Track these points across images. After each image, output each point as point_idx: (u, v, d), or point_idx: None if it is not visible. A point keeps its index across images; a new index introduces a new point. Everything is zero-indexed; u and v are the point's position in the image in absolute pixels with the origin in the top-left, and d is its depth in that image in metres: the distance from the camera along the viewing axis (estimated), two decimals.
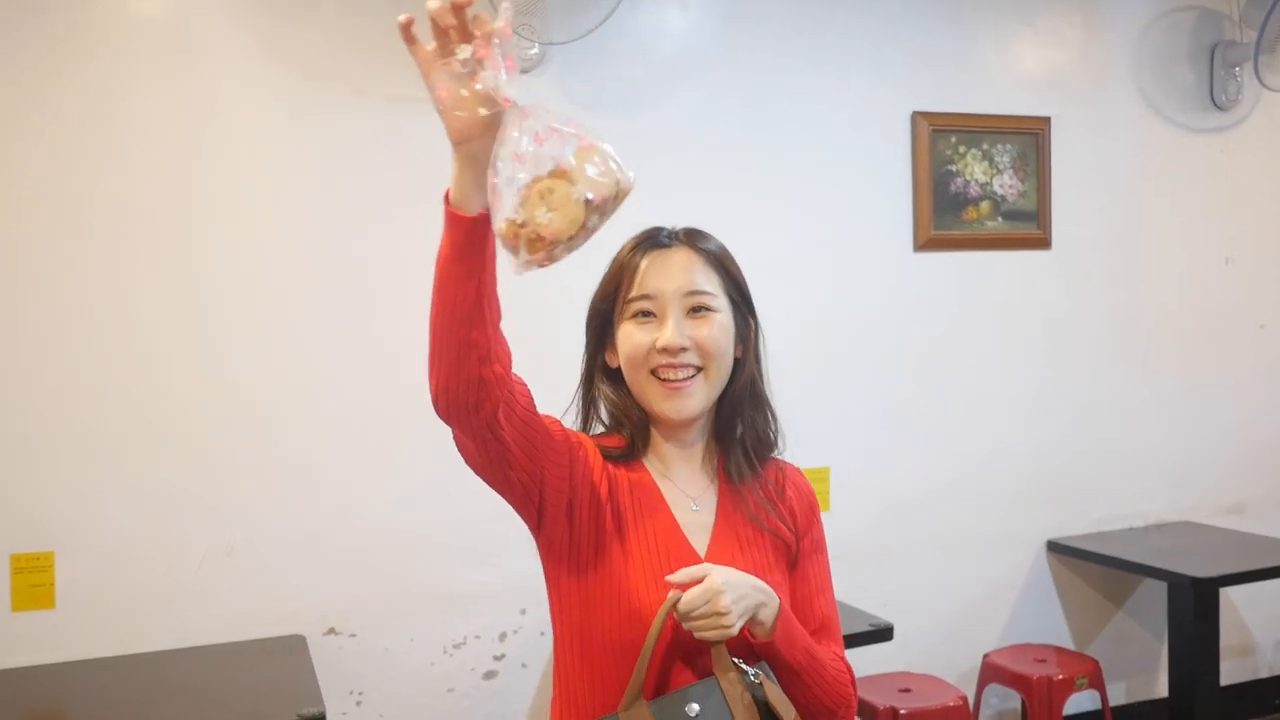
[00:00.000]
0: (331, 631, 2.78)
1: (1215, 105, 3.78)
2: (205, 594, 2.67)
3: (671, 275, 1.32)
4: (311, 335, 2.76)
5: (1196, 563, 3.25)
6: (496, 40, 1.01)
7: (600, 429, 1.44)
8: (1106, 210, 3.63)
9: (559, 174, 1.02)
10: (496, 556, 2.86)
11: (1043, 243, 3.52)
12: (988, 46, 3.46)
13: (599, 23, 2.76)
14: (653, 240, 1.36)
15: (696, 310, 1.32)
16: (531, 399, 1.26)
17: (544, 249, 1.03)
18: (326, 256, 2.77)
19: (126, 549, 2.61)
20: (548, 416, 1.31)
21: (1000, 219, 3.45)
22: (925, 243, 3.35)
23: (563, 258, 1.05)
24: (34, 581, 2.55)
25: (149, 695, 2.37)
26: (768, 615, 1.27)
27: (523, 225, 1.02)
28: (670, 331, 1.30)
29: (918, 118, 3.32)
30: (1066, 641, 3.61)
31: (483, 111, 1.02)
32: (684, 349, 1.31)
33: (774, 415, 1.43)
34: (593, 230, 1.05)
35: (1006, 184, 3.45)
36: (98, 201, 2.58)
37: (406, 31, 1.04)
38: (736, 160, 3.14)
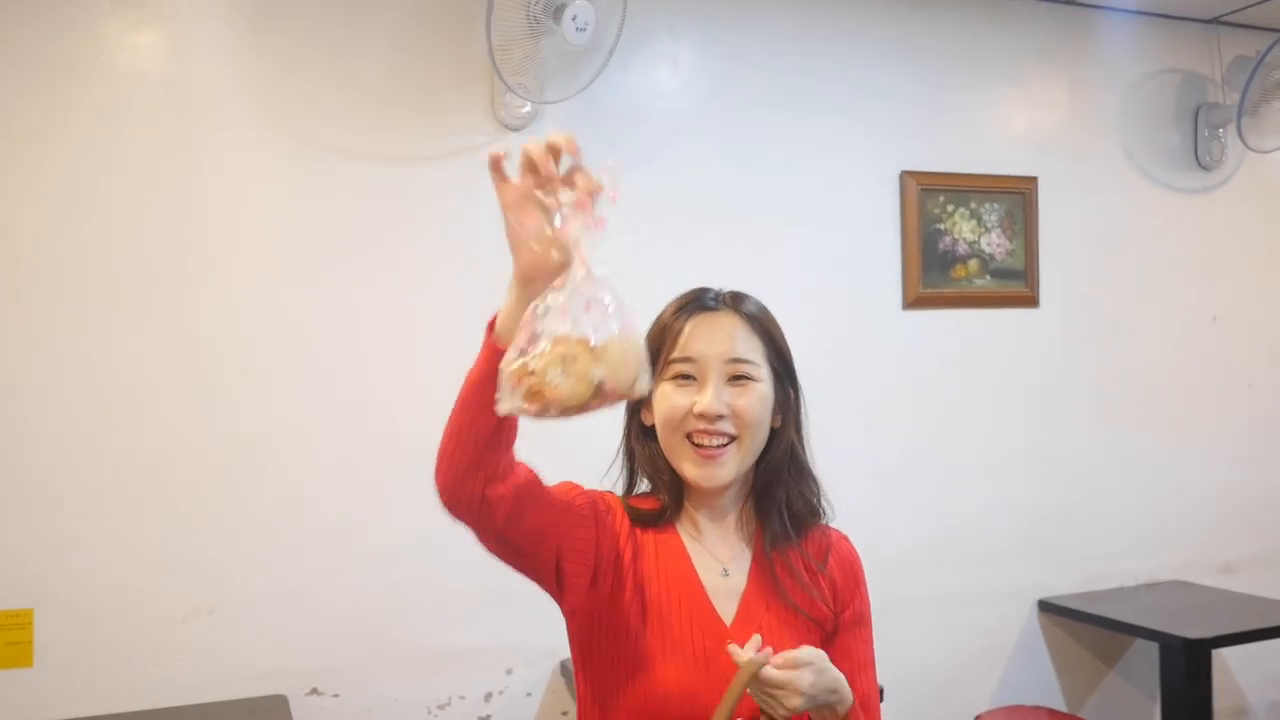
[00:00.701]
0: (314, 692, 2.73)
1: (1200, 165, 3.83)
2: (187, 652, 2.62)
3: (715, 340, 1.31)
4: (296, 392, 2.74)
5: (1188, 623, 3.23)
6: (596, 198, 1.06)
7: (644, 487, 1.43)
8: (1094, 269, 3.65)
9: (587, 346, 1.02)
10: (483, 615, 2.82)
11: (1030, 301, 3.54)
12: (976, 107, 3.50)
13: (588, 82, 2.79)
14: (698, 302, 1.35)
15: (737, 379, 1.31)
16: (540, 488, 1.25)
17: (539, 405, 1.02)
18: (316, 312, 2.76)
19: (107, 606, 2.57)
20: (566, 486, 1.30)
21: (989, 277, 3.47)
22: (914, 300, 3.36)
23: (546, 419, 1.03)
24: (11, 639, 2.51)
25: None
26: (841, 709, 1.25)
27: (531, 374, 1.02)
28: (710, 397, 1.28)
29: (906, 177, 3.35)
30: (1059, 702, 3.58)
31: (556, 256, 1.05)
32: (721, 416, 1.29)
33: (817, 484, 1.42)
34: (587, 411, 1.04)
35: (994, 242, 3.47)
36: (90, 254, 2.57)
37: (497, 167, 1.07)
38: (725, 216, 3.15)
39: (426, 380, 2.84)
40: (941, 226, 3.40)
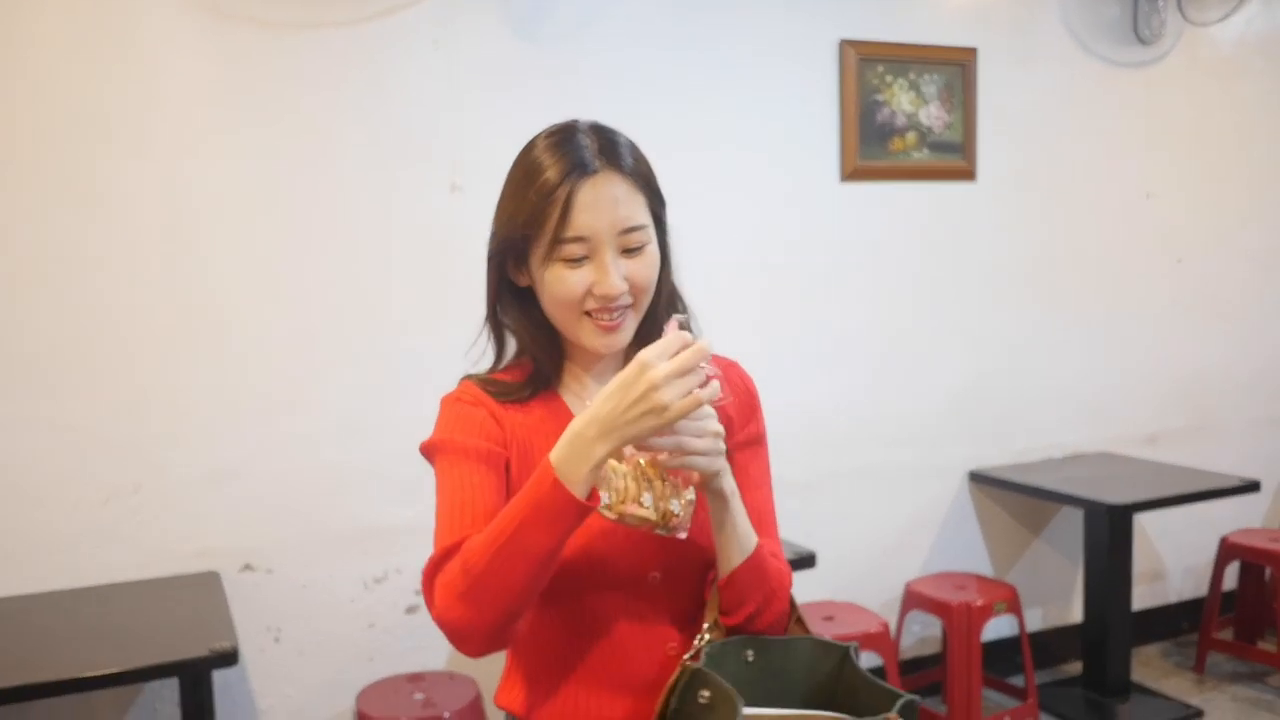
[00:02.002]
0: (247, 568, 2.71)
1: (1139, 39, 3.80)
2: (112, 533, 2.58)
3: (603, 211, 1.22)
4: (225, 268, 2.66)
5: (1112, 490, 3.32)
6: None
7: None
8: (1030, 143, 3.64)
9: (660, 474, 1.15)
10: (415, 490, 2.79)
11: (968, 174, 3.52)
12: None
13: None
14: (579, 164, 1.23)
15: (629, 250, 1.25)
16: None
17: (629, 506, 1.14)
18: (244, 189, 2.66)
19: (27, 487, 2.51)
20: (461, 438, 1.26)
21: (926, 150, 3.44)
22: (852, 173, 3.33)
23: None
24: None
25: (55, 635, 2.28)
26: (726, 485, 1.22)
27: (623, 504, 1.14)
28: (611, 279, 1.22)
29: (845, 46, 3.28)
30: (986, 569, 3.69)
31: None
32: (622, 293, 1.25)
33: (684, 304, 1.37)
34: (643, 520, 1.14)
35: (933, 115, 3.43)
36: (12, 127, 2.46)
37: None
38: (662, 90, 3.08)
39: (355, 258, 2.78)
40: (880, 98, 3.35)
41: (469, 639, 1.14)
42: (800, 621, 1.35)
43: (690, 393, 1.07)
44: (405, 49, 2.78)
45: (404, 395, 2.77)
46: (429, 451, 1.29)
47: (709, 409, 1.15)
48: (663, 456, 1.14)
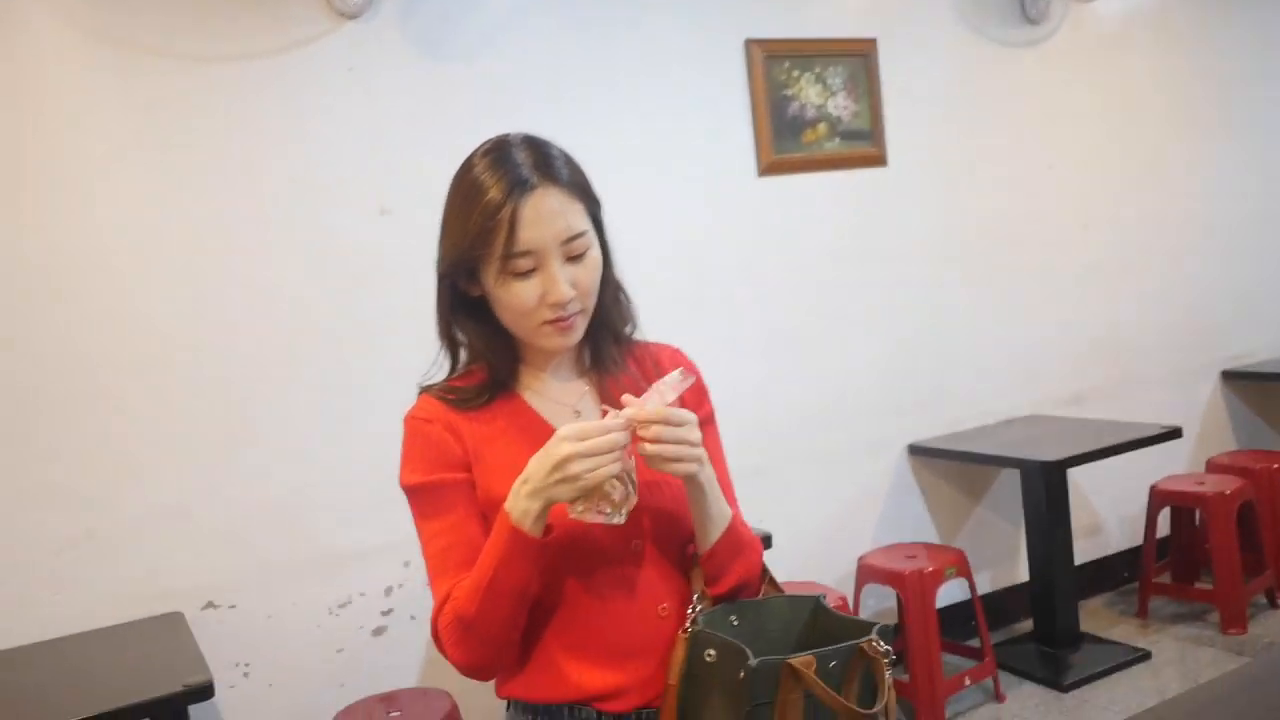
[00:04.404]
0: (210, 605, 2.71)
1: (1027, 19, 3.97)
2: (68, 582, 2.56)
3: (544, 224, 1.27)
4: (159, 307, 2.66)
5: (1045, 449, 3.46)
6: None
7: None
8: (935, 125, 3.79)
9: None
10: (373, 512, 2.82)
11: (879, 160, 3.65)
12: None
13: None
14: (518, 182, 1.27)
15: (573, 257, 1.31)
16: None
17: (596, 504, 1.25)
18: (176, 219, 2.67)
19: None
20: (448, 507, 1.33)
21: (838, 139, 3.56)
22: (768, 167, 3.43)
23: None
24: None
25: (22, 690, 2.25)
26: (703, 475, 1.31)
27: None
28: (560, 287, 1.28)
29: (751, 45, 3.39)
30: (933, 537, 3.80)
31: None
32: (572, 298, 1.31)
33: (626, 294, 1.44)
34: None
35: (841, 105, 3.56)
36: None
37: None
38: (577, 96, 3.15)
39: (290, 287, 2.80)
40: (789, 92, 3.46)
41: (481, 672, 1.32)
42: (773, 582, 1.44)
43: (599, 468, 1.20)
44: (323, 76, 2.82)
45: (349, 418, 2.80)
46: (404, 491, 1.38)
47: (690, 415, 1.26)
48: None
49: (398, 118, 2.91)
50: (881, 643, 1.24)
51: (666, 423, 1.23)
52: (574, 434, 1.20)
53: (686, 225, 3.33)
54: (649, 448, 1.23)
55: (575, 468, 1.19)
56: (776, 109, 3.44)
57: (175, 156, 2.67)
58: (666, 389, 1.26)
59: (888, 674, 1.24)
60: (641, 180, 3.23)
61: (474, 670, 1.31)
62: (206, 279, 2.71)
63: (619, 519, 1.24)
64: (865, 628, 1.26)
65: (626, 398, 1.26)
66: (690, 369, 1.35)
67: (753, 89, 3.40)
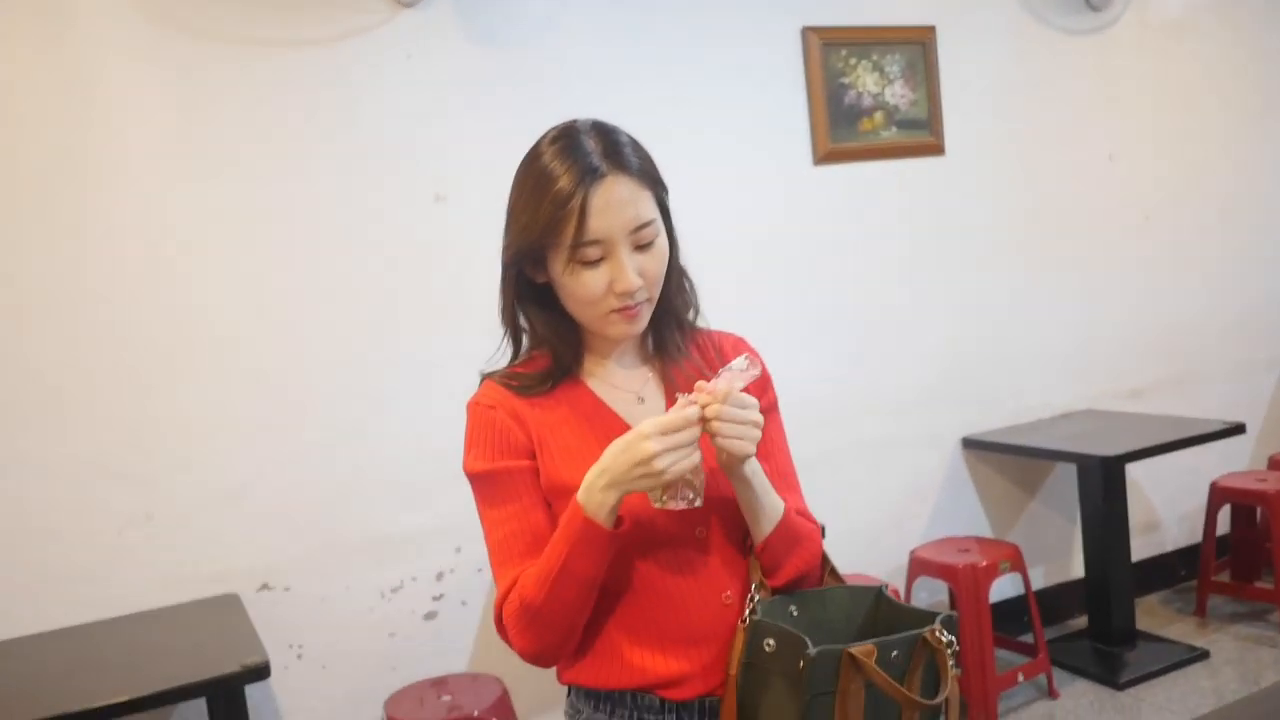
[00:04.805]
0: (265, 587, 2.74)
1: (1090, 6, 3.89)
2: (129, 562, 2.60)
3: (614, 213, 1.27)
4: (216, 291, 2.69)
5: (1102, 444, 3.40)
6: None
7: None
8: (994, 114, 3.73)
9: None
10: (425, 497, 2.84)
11: (937, 149, 3.60)
12: None
13: None
14: (588, 170, 1.26)
15: (641, 245, 1.30)
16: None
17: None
18: (233, 207, 2.70)
19: (40, 523, 2.53)
20: (491, 460, 1.33)
21: (895, 128, 3.52)
22: (825, 155, 3.40)
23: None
24: None
25: (79, 666, 2.30)
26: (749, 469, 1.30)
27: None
28: (628, 276, 1.27)
29: (808, 32, 3.36)
30: (986, 532, 3.75)
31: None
32: (640, 287, 1.30)
33: (690, 281, 1.44)
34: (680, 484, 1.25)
35: (898, 93, 3.51)
36: None
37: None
38: (632, 83, 3.14)
39: (346, 271, 2.82)
40: (846, 80, 3.42)
41: (544, 659, 1.32)
42: (834, 573, 1.43)
43: (681, 460, 1.20)
44: (380, 64, 2.83)
45: (404, 401, 2.81)
46: (468, 478, 1.38)
47: (752, 399, 1.26)
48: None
49: (453, 105, 2.91)
50: (945, 632, 1.22)
51: (734, 405, 1.23)
52: (657, 429, 1.19)
53: (741, 213, 3.31)
54: (714, 425, 1.22)
55: (661, 463, 1.19)
56: (833, 97, 3.40)
57: (229, 144, 2.69)
58: (735, 375, 1.25)
59: (951, 664, 1.22)
60: (696, 168, 3.21)
61: (537, 657, 1.31)
62: (264, 265, 2.73)
63: (699, 501, 1.25)
64: (929, 618, 1.24)
65: (700, 384, 1.25)
66: (755, 357, 1.34)
67: (809, 77, 3.37)
